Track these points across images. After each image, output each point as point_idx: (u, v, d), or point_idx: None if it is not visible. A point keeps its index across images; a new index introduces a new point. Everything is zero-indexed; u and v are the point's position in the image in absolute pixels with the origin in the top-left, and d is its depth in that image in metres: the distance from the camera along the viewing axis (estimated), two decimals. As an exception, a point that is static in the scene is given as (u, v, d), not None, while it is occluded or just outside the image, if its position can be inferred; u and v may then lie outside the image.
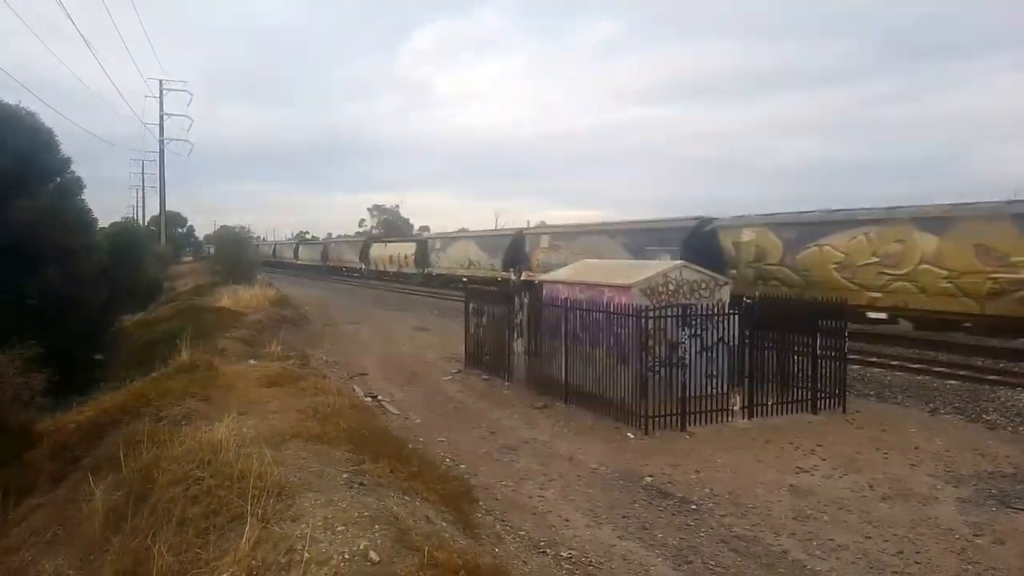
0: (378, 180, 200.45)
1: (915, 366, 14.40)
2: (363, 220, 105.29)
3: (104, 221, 23.34)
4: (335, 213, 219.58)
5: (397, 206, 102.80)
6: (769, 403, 10.48)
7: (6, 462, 8.56)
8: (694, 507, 6.90)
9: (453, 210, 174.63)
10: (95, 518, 5.73)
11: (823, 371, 10.80)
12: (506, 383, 13.25)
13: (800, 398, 10.74)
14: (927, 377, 13.37)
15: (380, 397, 11.91)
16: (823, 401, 10.79)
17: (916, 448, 8.89)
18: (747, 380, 10.56)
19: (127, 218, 63.17)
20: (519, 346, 13.20)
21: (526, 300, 13.27)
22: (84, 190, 16.58)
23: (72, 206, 15.58)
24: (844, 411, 10.74)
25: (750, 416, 10.26)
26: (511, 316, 13.58)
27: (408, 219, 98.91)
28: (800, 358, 10.89)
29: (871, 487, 7.45)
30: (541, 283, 13.98)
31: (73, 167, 16.27)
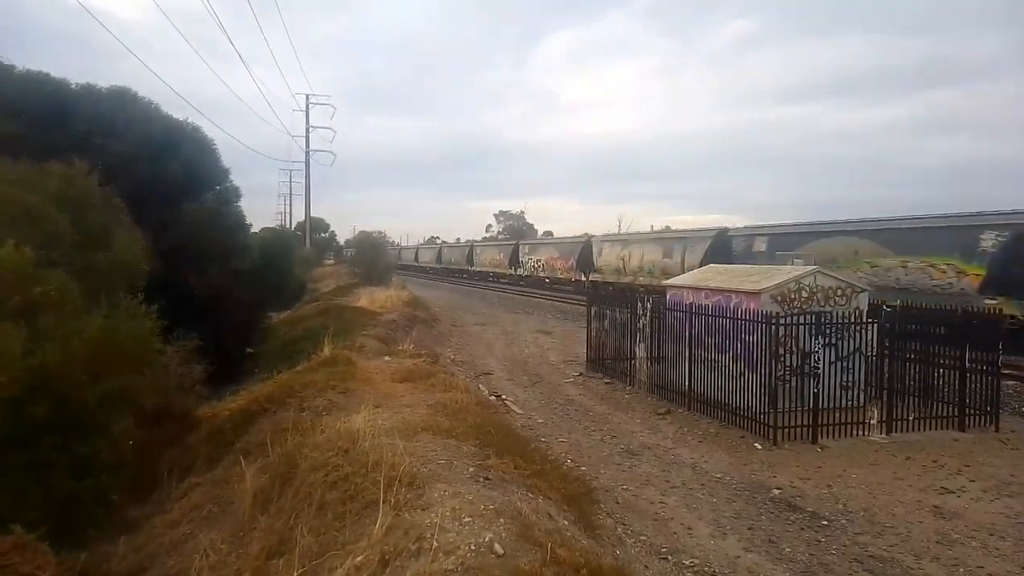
0: (505, 185, 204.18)
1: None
2: (490, 225, 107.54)
3: (255, 226, 25.34)
4: (464, 217, 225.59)
5: (522, 211, 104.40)
6: (910, 418, 9.83)
7: (170, 444, 9.42)
8: (825, 523, 6.62)
9: (577, 215, 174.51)
10: (245, 498, 6.20)
11: (973, 386, 9.99)
12: (628, 387, 13.19)
13: (945, 414, 9.99)
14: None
15: (504, 396, 12.20)
16: (972, 418, 9.99)
17: (1085, 475, 8.05)
18: (885, 393, 9.96)
19: (280, 224, 67.93)
20: (641, 351, 13.11)
21: (649, 304, 13.16)
22: (240, 197, 18.14)
23: (231, 211, 17.08)
24: (997, 430, 9.90)
25: (888, 431, 9.66)
26: (634, 320, 13.51)
27: (532, 224, 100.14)
28: (946, 371, 10.13)
29: (1029, 514, 6.85)
30: (665, 288, 13.80)
31: (231, 176, 17.85)
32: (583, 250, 40.39)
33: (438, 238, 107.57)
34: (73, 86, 15.16)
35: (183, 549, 6.29)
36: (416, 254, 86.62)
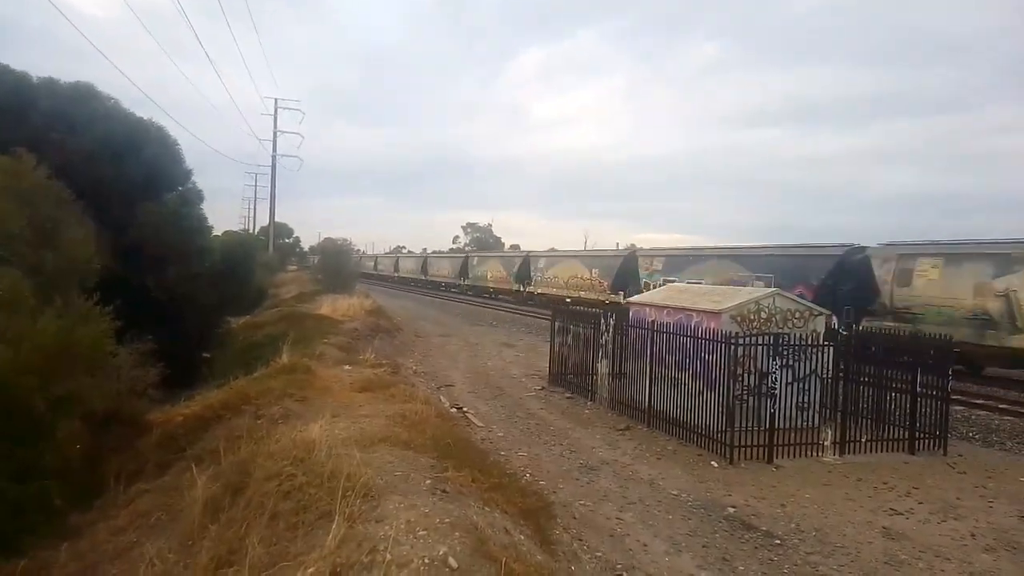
0: (473, 198, 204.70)
1: (1028, 411, 13.41)
2: (457, 237, 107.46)
3: (218, 229, 25.00)
4: (431, 229, 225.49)
5: (490, 224, 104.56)
6: (863, 440, 10.05)
7: (119, 448, 9.19)
8: (778, 542, 6.71)
9: (543, 230, 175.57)
10: (195, 506, 6.05)
11: (923, 410, 10.26)
12: (589, 403, 13.24)
13: (897, 437, 10.24)
14: (1043, 423, 12.43)
15: (465, 409, 12.16)
16: (922, 442, 10.24)
17: (1027, 498, 8.31)
18: (840, 415, 10.17)
19: (243, 228, 67.04)
20: (603, 367, 13.19)
21: (612, 321, 13.26)
22: (203, 200, 17.86)
23: (192, 213, 16.80)
24: (945, 454, 10.16)
25: (842, 452, 9.85)
26: (596, 336, 13.59)
27: (500, 237, 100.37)
28: (898, 395, 10.39)
29: (973, 536, 7.03)
30: (628, 305, 13.93)
31: (194, 178, 17.58)
32: (522, 264, 43.78)
33: (404, 247, 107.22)
34: (34, 80, 14.80)
35: (128, 557, 6.11)
36: (376, 263, 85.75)
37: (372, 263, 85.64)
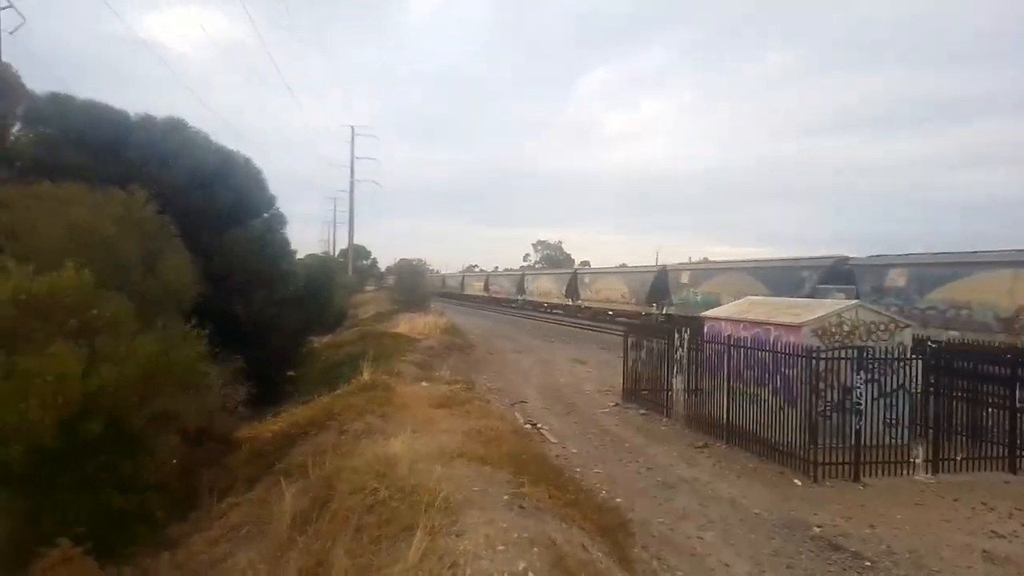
0: (543, 216, 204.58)
1: None
2: (527, 255, 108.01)
3: (299, 252, 25.94)
4: (502, 247, 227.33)
5: (560, 241, 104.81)
6: (958, 458, 9.54)
7: (211, 463, 9.62)
8: (868, 564, 6.46)
9: (613, 246, 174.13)
10: (283, 519, 6.31)
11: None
12: (664, 419, 13.06)
13: (995, 455, 9.69)
14: None
15: (539, 425, 12.19)
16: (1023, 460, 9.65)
17: None
18: (931, 431, 9.70)
19: (323, 251, 69.37)
20: (678, 383, 13.00)
21: (687, 336, 13.07)
22: (286, 224, 18.64)
23: (276, 238, 17.55)
24: (1052, 473, 9.54)
25: (934, 471, 9.39)
26: (671, 352, 13.42)
27: (570, 254, 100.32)
28: (996, 410, 9.83)
29: (1084, 561, 6.58)
30: (703, 319, 13.70)
31: (277, 204, 18.38)
32: (571, 280, 49.94)
33: (476, 266, 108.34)
34: (132, 116, 15.84)
35: (222, 568, 6.42)
36: (445, 281, 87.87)
37: (444, 282, 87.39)
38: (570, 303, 48.23)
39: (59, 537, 5.99)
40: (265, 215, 17.98)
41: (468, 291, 78.65)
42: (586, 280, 46.75)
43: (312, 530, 5.86)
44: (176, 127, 16.01)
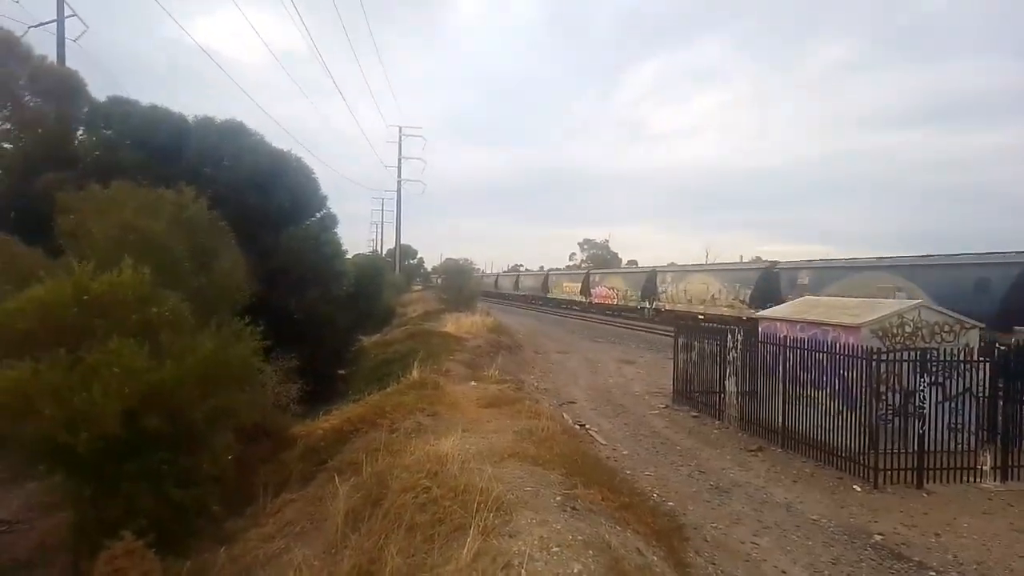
0: (591, 214, 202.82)
1: None
2: (573, 254, 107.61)
3: (349, 252, 26.31)
4: (549, 246, 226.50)
5: (607, 240, 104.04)
6: (1029, 466, 9.13)
7: (266, 459, 9.79)
8: (933, 574, 6.22)
9: (663, 244, 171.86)
10: (337, 516, 6.37)
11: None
12: (716, 422, 12.83)
13: (1069, 463, 9.23)
14: None
15: (588, 426, 12.10)
16: (1100, 468, 9.18)
17: None
18: (1000, 437, 9.30)
19: (372, 251, 70.42)
20: (731, 384, 12.74)
21: (740, 336, 12.80)
22: (338, 224, 18.93)
23: (329, 237, 17.83)
24: None
25: (1004, 478, 9.00)
26: (723, 352, 13.17)
27: (617, 253, 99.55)
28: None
29: None
30: (757, 320, 13.41)
31: (328, 205, 18.68)
32: (585, 279, 55.39)
33: (521, 266, 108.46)
34: (190, 119, 16.30)
35: (278, 563, 6.51)
36: (496, 281, 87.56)
37: (492, 281, 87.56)
38: (583, 300, 49.77)
39: (122, 528, 6.17)
40: (318, 215, 18.29)
41: (502, 289, 78.50)
42: (668, 279, 40.15)
43: (365, 528, 5.89)
44: (233, 130, 16.41)
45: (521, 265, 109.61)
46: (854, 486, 8.83)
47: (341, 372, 19.29)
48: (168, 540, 6.77)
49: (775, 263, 31.04)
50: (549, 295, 64.77)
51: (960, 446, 9.29)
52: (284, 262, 15.70)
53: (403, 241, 66.94)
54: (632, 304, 44.87)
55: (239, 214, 13.00)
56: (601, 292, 51.48)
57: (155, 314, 7.33)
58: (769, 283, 29.24)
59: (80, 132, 16.72)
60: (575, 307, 56.02)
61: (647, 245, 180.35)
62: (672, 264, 46.15)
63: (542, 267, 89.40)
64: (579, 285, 56.71)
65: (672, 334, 16.06)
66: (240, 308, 9.63)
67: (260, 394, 10.03)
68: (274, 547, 7.07)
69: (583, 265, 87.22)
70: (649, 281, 42.83)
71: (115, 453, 6.72)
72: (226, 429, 8.44)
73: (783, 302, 26.69)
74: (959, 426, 9.42)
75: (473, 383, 12.59)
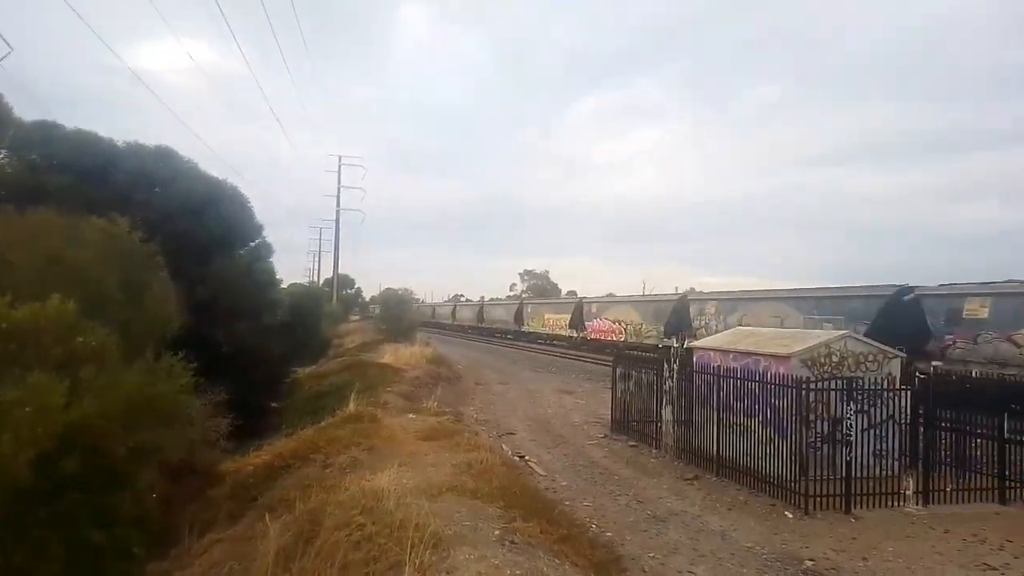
0: (531, 245, 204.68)
1: None
2: (513, 284, 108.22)
3: (284, 282, 25.75)
4: (489, 277, 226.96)
5: (547, 271, 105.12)
6: (947, 489, 9.53)
7: (193, 498, 9.42)
8: (861, 599, 6.39)
9: (601, 275, 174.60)
10: (267, 556, 6.15)
11: (1012, 457, 9.69)
12: (653, 451, 12.97)
13: (985, 486, 9.68)
14: None
15: (527, 457, 12.05)
16: (1013, 491, 9.65)
17: None
18: (921, 462, 9.69)
19: (308, 280, 69.08)
20: (668, 414, 12.94)
21: (676, 367, 13.04)
22: (273, 253, 18.54)
23: (263, 267, 17.45)
24: (1041, 504, 9.54)
25: (925, 502, 9.36)
26: (660, 382, 13.38)
27: (556, 284, 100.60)
28: (985, 441, 9.85)
29: (1078, 595, 6.54)
30: (691, 350, 13.70)
31: (264, 233, 18.30)
32: (518, 309, 57.11)
33: (462, 296, 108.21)
34: (120, 144, 15.81)
35: (203, 607, 6.24)
36: (434, 311, 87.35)
37: (430, 311, 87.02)
38: (519, 328, 50.25)
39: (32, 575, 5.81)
40: (252, 244, 17.92)
41: (459, 321, 77.76)
42: (594, 309, 43.37)
43: (296, 567, 5.71)
44: (165, 155, 16.01)
45: (462, 295, 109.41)
46: (786, 512, 9.03)
47: (274, 405, 18.79)
48: (84, 585, 6.41)
49: (686, 295, 34.64)
50: (483, 324, 66.24)
51: (885, 471, 9.63)
52: (215, 292, 15.27)
53: (341, 271, 66.03)
54: (562, 333, 47.02)
55: (170, 242, 12.64)
56: (532, 321, 53.62)
57: (80, 344, 7.01)
58: (680, 313, 32.61)
59: (2, 156, 16.01)
60: (509, 335, 57.52)
61: (587, 276, 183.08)
62: (597, 296, 48.12)
63: (482, 297, 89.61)
64: (512, 315, 58.41)
65: (610, 363, 16.24)
66: (170, 340, 9.32)
67: (188, 430, 9.65)
68: (199, 590, 6.78)
69: (523, 295, 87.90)
70: (577, 311, 45.55)
71: (25, 499, 6.34)
72: (151, 467, 8.08)
73: (694, 330, 31.31)
74: (883, 452, 9.78)
75: (411, 415, 12.43)
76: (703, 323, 29.89)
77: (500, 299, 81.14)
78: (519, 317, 56.81)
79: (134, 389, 6.99)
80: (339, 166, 53.96)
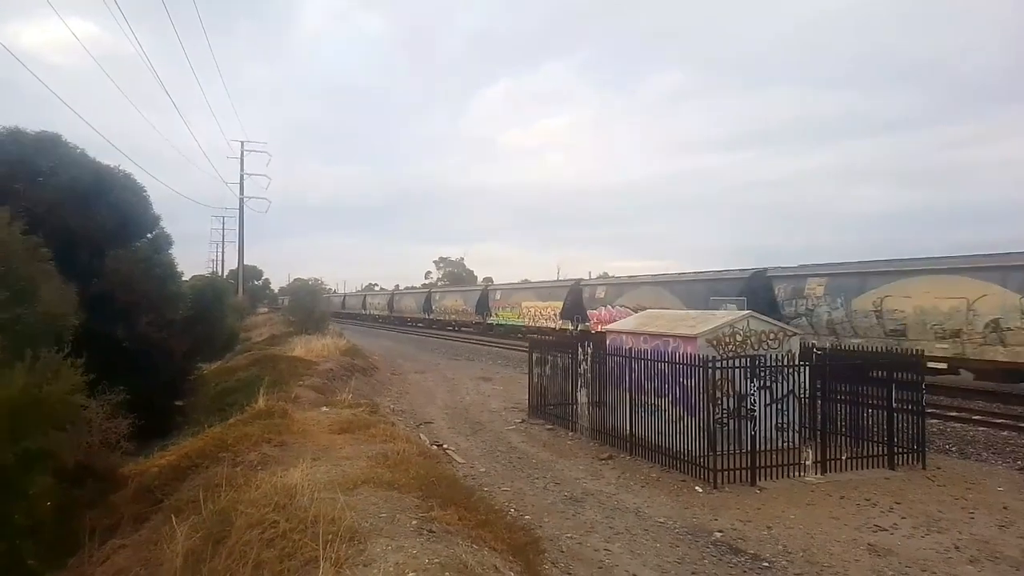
0: (446, 232, 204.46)
1: (999, 421, 13.70)
2: (429, 272, 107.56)
3: (186, 274, 24.52)
4: (403, 265, 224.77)
5: (462, 258, 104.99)
6: (843, 458, 10.15)
7: (93, 503, 8.92)
8: (766, 564, 6.72)
9: (516, 261, 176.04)
10: (175, 559, 5.92)
11: (900, 425, 10.42)
12: (570, 433, 13.21)
13: (876, 453, 10.38)
14: (1013, 433, 12.69)
15: (446, 446, 12.04)
16: (900, 457, 10.40)
17: (1005, 508, 8.45)
18: (819, 434, 10.27)
19: (212, 272, 66.18)
20: (583, 396, 13.19)
21: (590, 350, 13.30)
22: (172, 245, 17.57)
23: (162, 259, 16.50)
24: (924, 467, 10.32)
25: (823, 471, 9.94)
26: (575, 366, 13.61)
27: (472, 270, 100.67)
28: (875, 411, 10.54)
29: (957, 548, 7.11)
30: (605, 332, 13.99)
31: (162, 223, 17.32)
32: (427, 298, 58.61)
33: (376, 285, 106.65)
34: (-2, 131, 14.61)
35: (106, 618, 5.94)
36: (344, 301, 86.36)
37: (340, 301, 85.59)
38: (481, 320, 47.09)
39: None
40: (149, 235, 16.92)
41: (369, 310, 76.97)
42: (498, 295, 45.69)
43: (207, 569, 5.49)
44: (49, 142, 14.87)
45: (376, 284, 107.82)
46: (696, 487, 9.39)
47: (180, 403, 17.92)
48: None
49: (579, 280, 37.85)
50: (394, 313, 67.11)
51: (787, 444, 10.16)
52: (112, 286, 14.36)
53: (247, 261, 63.31)
54: (468, 319, 48.88)
55: (58, 234, 11.81)
56: (441, 308, 55.02)
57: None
58: (575, 298, 35.53)
59: None
60: (419, 324, 58.74)
61: (503, 262, 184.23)
62: (501, 283, 51.13)
63: (397, 285, 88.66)
64: (422, 303, 59.67)
65: (526, 349, 16.40)
66: (67, 339, 8.73)
67: (84, 432, 9.10)
68: (101, 600, 6.45)
69: (437, 284, 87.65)
70: (483, 298, 47.40)
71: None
72: (43, 473, 7.58)
73: (585, 313, 33.81)
74: (785, 425, 10.31)
75: (325, 409, 12.15)
76: (595, 307, 33.29)
77: (411, 288, 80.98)
78: (428, 306, 57.85)
79: (18, 391, 6.51)
80: (242, 152, 51.62)
